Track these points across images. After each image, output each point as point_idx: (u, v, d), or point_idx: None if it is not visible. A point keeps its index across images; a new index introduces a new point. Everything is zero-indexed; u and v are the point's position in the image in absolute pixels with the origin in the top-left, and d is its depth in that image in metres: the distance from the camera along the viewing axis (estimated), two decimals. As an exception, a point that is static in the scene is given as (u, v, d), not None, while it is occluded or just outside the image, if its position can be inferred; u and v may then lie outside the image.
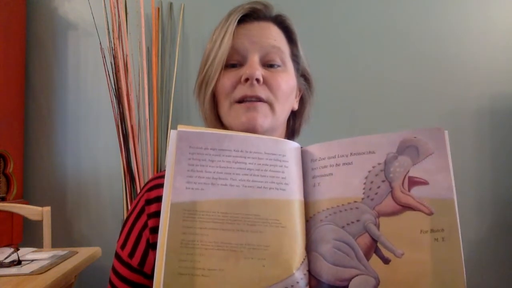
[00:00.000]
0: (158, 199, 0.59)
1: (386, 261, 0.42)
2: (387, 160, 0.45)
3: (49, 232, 1.42)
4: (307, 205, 0.46)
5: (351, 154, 0.46)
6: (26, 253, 1.25)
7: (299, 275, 0.42)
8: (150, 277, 0.58)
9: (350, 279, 0.42)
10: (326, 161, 0.47)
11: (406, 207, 0.42)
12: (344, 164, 0.46)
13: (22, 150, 1.86)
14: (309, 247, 0.44)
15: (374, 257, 0.42)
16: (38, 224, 1.44)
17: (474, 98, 1.86)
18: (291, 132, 0.72)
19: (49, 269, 1.06)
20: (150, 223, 0.59)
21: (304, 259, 0.43)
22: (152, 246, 0.58)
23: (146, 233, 0.59)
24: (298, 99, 0.69)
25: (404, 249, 0.41)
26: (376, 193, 0.44)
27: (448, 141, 0.43)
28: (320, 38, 1.90)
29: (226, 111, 0.61)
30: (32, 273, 1.02)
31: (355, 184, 0.45)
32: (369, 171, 0.45)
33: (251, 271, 0.41)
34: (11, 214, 1.62)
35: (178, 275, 0.40)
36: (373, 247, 0.43)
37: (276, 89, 0.60)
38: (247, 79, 0.58)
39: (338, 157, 0.46)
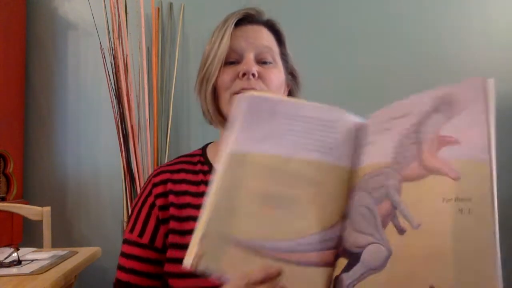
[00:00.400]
0: (164, 181, 0.69)
1: (401, 231, 0.39)
2: (419, 120, 0.42)
3: (49, 232, 1.42)
4: (354, 174, 0.47)
5: (390, 119, 0.46)
6: (26, 253, 1.25)
7: (325, 235, 0.43)
8: (161, 250, 0.66)
9: (365, 246, 0.41)
10: (371, 129, 0.47)
11: (431, 171, 0.38)
12: (384, 130, 0.46)
13: (22, 150, 1.86)
14: (346, 214, 0.45)
15: (390, 225, 0.40)
16: (38, 224, 1.44)
17: (474, 98, 1.86)
18: None
19: (49, 269, 1.06)
20: (158, 202, 0.67)
21: (336, 222, 0.44)
22: (162, 221, 0.66)
23: (155, 211, 0.67)
24: (286, 93, 0.77)
25: (422, 218, 0.38)
26: (404, 157, 0.41)
27: (492, 92, 0.37)
28: (320, 38, 1.90)
29: (227, 102, 0.68)
30: (32, 273, 1.02)
31: (388, 148, 0.44)
32: (402, 134, 0.43)
33: (282, 222, 0.44)
34: (11, 214, 1.62)
35: (223, 211, 0.44)
36: (391, 215, 0.40)
37: (269, 83, 0.68)
38: (244, 74, 0.66)
39: (380, 123, 0.47)
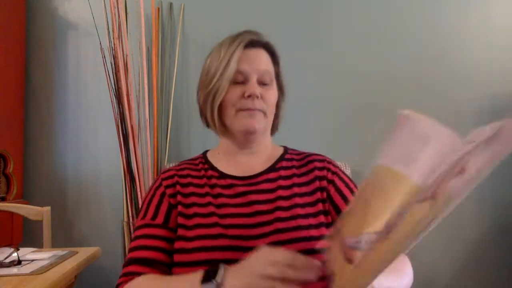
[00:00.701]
0: (171, 176, 0.82)
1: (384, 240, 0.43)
2: (471, 149, 0.42)
3: (49, 232, 1.42)
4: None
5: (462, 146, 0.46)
6: (26, 253, 1.24)
7: (370, 238, 0.45)
8: (174, 230, 0.75)
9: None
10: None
11: (433, 196, 0.40)
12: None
13: (22, 150, 1.86)
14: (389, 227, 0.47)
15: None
16: (38, 224, 1.44)
17: (475, 98, 1.85)
18: (273, 128, 0.92)
19: (49, 269, 1.06)
20: (168, 191, 0.80)
21: (380, 230, 0.45)
22: (174, 206, 0.78)
23: (166, 198, 0.79)
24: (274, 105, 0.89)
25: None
26: (435, 182, 0.42)
27: None
28: (320, 39, 1.90)
29: (232, 117, 0.81)
30: (32, 273, 1.02)
31: (438, 173, 0.44)
32: (453, 161, 0.43)
33: (357, 221, 0.50)
34: (11, 214, 1.62)
35: (348, 211, 0.53)
36: (392, 229, 0.43)
37: (268, 102, 0.82)
38: (249, 95, 0.78)
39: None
